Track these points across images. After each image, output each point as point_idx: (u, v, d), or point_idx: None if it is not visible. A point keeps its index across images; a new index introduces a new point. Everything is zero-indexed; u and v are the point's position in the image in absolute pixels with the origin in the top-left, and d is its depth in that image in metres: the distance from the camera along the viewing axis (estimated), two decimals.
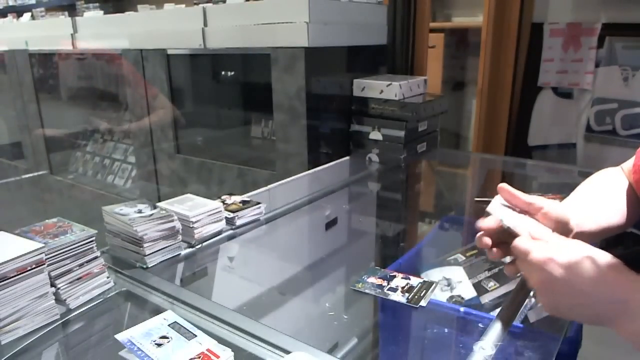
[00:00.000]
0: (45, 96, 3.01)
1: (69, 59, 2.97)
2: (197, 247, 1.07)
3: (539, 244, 0.62)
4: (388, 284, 0.91)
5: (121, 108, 2.84)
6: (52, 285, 0.80)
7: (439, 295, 0.94)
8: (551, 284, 0.59)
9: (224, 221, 1.14)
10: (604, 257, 0.60)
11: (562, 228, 0.71)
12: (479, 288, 0.89)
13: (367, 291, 0.90)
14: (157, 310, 0.80)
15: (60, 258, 0.82)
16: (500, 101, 2.08)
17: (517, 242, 0.64)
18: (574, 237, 0.76)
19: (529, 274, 0.63)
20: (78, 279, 0.84)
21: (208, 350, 0.68)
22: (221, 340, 0.71)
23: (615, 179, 0.90)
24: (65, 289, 0.82)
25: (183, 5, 2.17)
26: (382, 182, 1.76)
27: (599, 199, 0.86)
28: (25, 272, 0.74)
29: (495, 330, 0.66)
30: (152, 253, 0.97)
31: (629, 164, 0.91)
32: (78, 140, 3.21)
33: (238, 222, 1.17)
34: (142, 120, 2.30)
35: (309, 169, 1.66)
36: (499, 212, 0.68)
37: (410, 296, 0.87)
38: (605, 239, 1.10)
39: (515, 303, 0.69)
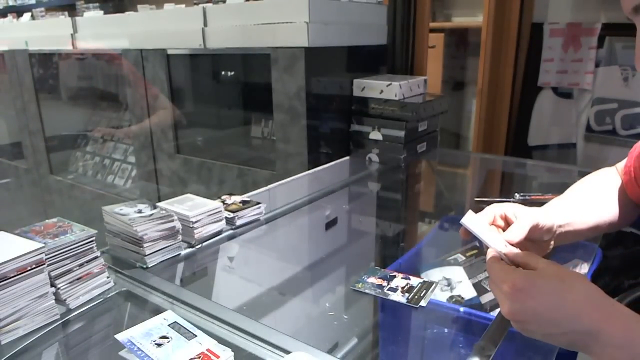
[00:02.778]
0: (45, 96, 3.01)
1: (69, 59, 2.97)
2: (197, 247, 1.07)
3: (510, 272, 0.61)
4: (388, 284, 0.91)
5: (121, 108, 2.84)
6: (52, 285, 0.80)
7: (439, 295, 0.94)
8: (521, 315, 0.59)
9: (224, 221, 1.14)
10: (577, 286, 0.59)
11: (540, 232, 0.71)
12: (479, 288, 0.89)
13: (367, 291, 0.90)
14: (157, 310, 0.80)
15: (60, 258, 0.82)
16: (500, 101, 2.09)
17: (491, 266, 0.64)
18: (560, 236, 0.77)
19: (499, 300, 0.62)
20: (78, 279, 0.84)
21: (208, 350, 0.68)
22: (221, 340, 0.71)
23: (608, 178, 0.90)
24: (65, 289, 0.82)
25: (183, 5, 2.17)
26: (382, 182, 1.76)
27: (588, 197, 0.86)
28: (25, 272, 0.74)
29: (495, 330, 0.66)
30: (152, 253, 0.97)
31: (622, 164, 0.91)
32: (78, 140, 3.21)
33: (238, 222, 1.17)
34: (142, 122, 2.30)
35: (309, 169, 1.66)
36: (472, 227, 0.69)
37: (410, 296, 0.87)
38: (606, 239, 1.11)
39: None
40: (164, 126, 2.23)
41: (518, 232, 0.69)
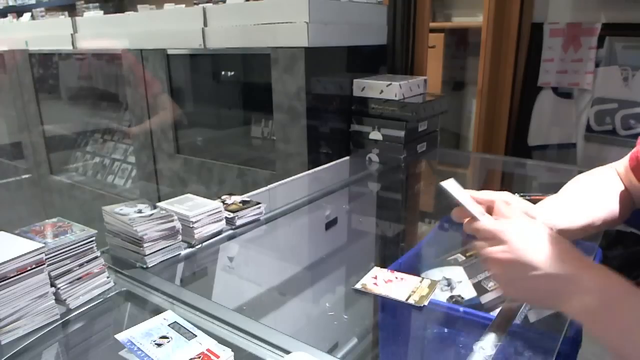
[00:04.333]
0: (45, 96, 3.01)
1: (69, 59, 2.97)
2: (197, 247, 1.07)
3: (495, 220, 0.67)
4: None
5: (121, 108, 2.84)
6: (52, 285, 0.79)
7: (439, 295, 0.94)
8: (508, 258, 0.62)
9: (224, 221, 1.14)
10: (559, 238, 0.63)
11: None
12: (479, 288, 0.89)
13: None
14: (157, 310, 0.80)
15: (60, 258, 0.82)
16: (500, 101, 2.08)
17: (479, 223, 0.69)
18: None
19: (484, 250, 0.65)
20: (78, 279, 0.84)
21: (208, 350, 0.68)
22: (221, 340, 0.71)
23: (602, 177, 0.90)
24: (65, 289, 0.82)
25: (183, 5, 2.17)
26: (382, 182, 1.76)
27: (579, 196, 0.86)
28: (25, 272, 0.74)
29: (496, 330, 0.66)
30: (152, 253, 0.97)
31: (622, 161, 0.91)
32: (78, 140, 3.21)
33: (238, 222, 1.17)
34: (143, 123, 2.30)
35: (309, 169, 1.66)
36: (452, 190, 0.72)
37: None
38: (606, 239, 1.11)
39: (515, 303, 0.69)
40: (165, 125, 2.23)
41: (483, 194, 0.73)
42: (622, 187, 0.88)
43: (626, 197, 0.87)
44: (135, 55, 2.23)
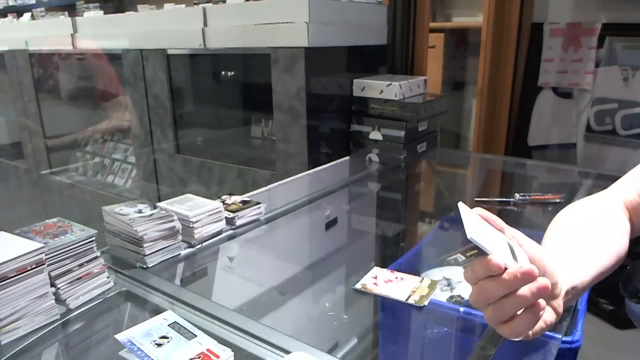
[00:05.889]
0: (45, 96, 3.01)
1: (69, 59, 2.97)
2: (197, 247, 1.07)
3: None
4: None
5: (121, 108, 2.84)
6: (52, 285, 0.80)
7: (439, 295, 0.94)
8: None
9: (224, 221, 1.14)
10: None
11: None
12: None
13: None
14: (157, 310, 0.80)
15: (60, 258, 0.82)
16: (500, 101, 2.08)
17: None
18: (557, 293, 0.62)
19: None
20: (78, 279, 0.84)
21: (208, 350, 0.68)
22: (221, 340, 0.71)
23: (606, 218, 0.77)
24: (65, 289, 0.82)
25: (183, 5, 2.17)
26: (382, 182, 1.76)
27: (589, 251, 0.71)
28: (25, 272, 0.74)
29: (496, 330, 0.65)
30: (152, 253, 0.97)
31: (634, 187, 0.79)
32: (78, 140, 3.21)
33: (238, 222, 1.17)
34: (95, 125, 2.33)
35: (309, 169, 1.67)
36: (469, 219, 0.54)
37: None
38: None
39: None
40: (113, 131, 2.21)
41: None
42: (627, 224, 0.77)
43: (630, 232, 0.76)
44: (132, 60, 2.23)
